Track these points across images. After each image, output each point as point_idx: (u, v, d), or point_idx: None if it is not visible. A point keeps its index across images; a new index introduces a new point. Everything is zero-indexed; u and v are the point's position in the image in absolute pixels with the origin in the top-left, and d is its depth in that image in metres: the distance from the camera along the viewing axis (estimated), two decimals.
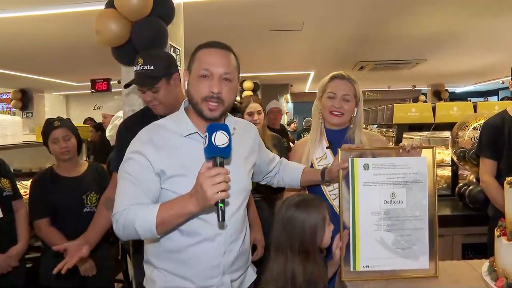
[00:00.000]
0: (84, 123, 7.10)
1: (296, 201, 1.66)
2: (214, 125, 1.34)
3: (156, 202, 1.48)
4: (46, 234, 2.55)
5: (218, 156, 1.29)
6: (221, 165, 1.29)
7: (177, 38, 3.32)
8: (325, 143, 2.05)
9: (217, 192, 1.24)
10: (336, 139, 2.02)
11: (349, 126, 2.07)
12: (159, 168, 1.47)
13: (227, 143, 1.29)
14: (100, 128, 7.32)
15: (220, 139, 1.28)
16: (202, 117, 1.50)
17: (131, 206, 1.43)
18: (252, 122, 2.06)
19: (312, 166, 2.04)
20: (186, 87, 1.54)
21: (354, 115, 2.04)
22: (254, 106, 3.13)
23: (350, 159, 1.67)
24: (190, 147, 1.51)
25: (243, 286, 1.71)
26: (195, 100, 1.49)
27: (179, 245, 1.53)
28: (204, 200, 1.26)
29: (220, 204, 1.26)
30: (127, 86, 2.26)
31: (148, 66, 2.07)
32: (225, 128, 1.31)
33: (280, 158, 2.00)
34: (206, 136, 1.29)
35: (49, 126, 2.63)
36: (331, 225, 1.66)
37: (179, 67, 3.31)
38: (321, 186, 1.96)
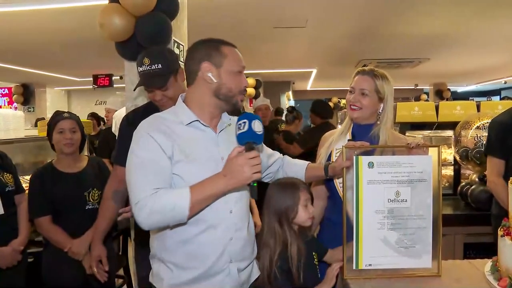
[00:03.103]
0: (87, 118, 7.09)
1: (279, 182, 1.86)
2: (248, 114, 1.52)
3: (170, 188, 1.52)
4: (48, 232, 2.51)
5: (252, 141, 1.45)
6: (253, 149, 1.44)
7: (180, 34, 3.31)
8: (348, 136, 2.06)
9: (255, 173, 1.42)
10: (361, 133, 2.01)
11: (373, 123, 2.05)
12: (169, 152, 1.51)
13: (262, 131, 1.49)
14: (100, 123, 7.31)
15: (258, 126, 1.47)
16: (233, 108, 1.64)
17: (159, 190, 1.46)
18: None
19: (330, 155, 2.05)
20: (215, 80, 1.57)
21: (380, 111, 2.03)
22: None
23: (354, 157, 1.66)
24: (192, 135, 1.58)
25: (250, 280, 1.73)
26: (232, 92, 1.59)
27: (186, 235, 1.55)
28: (242, 180, 1.43)
29: (254, 184, 1.46)
30: (136, 88, 2.25)
31: (156, 65, 2.05)
32: (259, 118, 1.51)
33: None
34: (244, 122, 1.47)
35: (58, 116, 2.59)
36: (309, 206, 1.78)
37: (182, 64, 3.32)
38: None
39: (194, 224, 1.54)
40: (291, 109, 5.25)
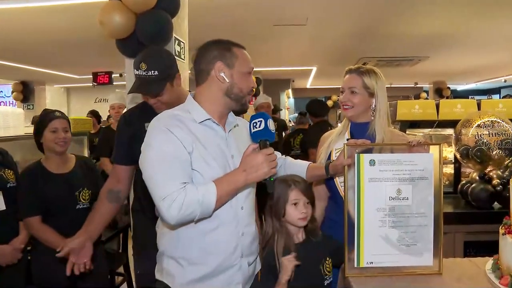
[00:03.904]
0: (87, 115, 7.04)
1: (281, 176, 1.87)
2: (263, 114, 1.60)
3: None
4: (39, 232, 2.48)
5: (266, 139, 1.53)
6: (267, 147, 1.53)
7: (181, 31, 3.31)
8: (347, 135, 2.07)
9: (272, 168, 1.52)
10: (359, 132, 2.02)
11: (369, 122, 2.05)
12: (189, 148, 1.53)
13: (275, 130, 1.58)
14: (100, 121, 7.26)
15: (271, 125, 1.56)
16: (241, 108, 1.68)
17: (187, 185, 1.48)
18: None
19: (330, 155, 2.06)
20: (227, 80, 1.60)
21: (373, 106, 2.03)
22: None
23: (356, 155, 1.66)
24: (205, 133, 1.60)
25: (254, 273, 1.76)
26: (243, 92, 1.64)
27: (201, 231, 1.57)
28: (261, 175, 1.51)
29: (271, 178, 1.54)
30: (130, 93, 2.23)
31: (153, 71, 2.02)
32: (271, 117, 1.60)
33: None
34: (260, 121, 1.55)
35: (50, 114, 2.57)
36: (300, 206, 1.78)
37: (183, 61, 3.32)
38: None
39: (209, 220, 1.56)
40: (304, 113, 5.67)
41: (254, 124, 1.55)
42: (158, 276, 1.68)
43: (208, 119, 1.61)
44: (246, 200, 1.67)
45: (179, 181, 1.47)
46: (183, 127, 1.55)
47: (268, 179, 1.54)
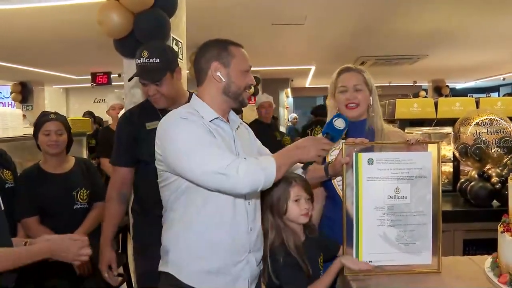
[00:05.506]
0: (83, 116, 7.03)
1: None
2: (339, 114, 1.70)
3: None
4: (36, 233, 2.44)
5: (328, 132, 1.64)
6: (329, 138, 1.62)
7: (179, 31, 3.30)
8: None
9: (318, 156, 1.61)
10: (355, 130, 1.98)
11: (366, 119, 2.04)
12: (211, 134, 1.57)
13: (343, 128, 1.65)
14: (96, 121, 7.23)
15: (339, 123, 1.64)
16: (239, 105, 1.70)
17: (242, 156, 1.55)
18: None
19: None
20: (223, 79, 1.61)
21: (371, 103, 2.03)
22: None
23: (354, 154, 1.66)
24: (215, 131, 1.60)
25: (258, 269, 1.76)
26: (240, 90, 1.65)
27: (209, 225, 1.58)
28: (311, 156, 1.58)
29: (309, 163, 1.67)
30: (130, 79, 2.24)
31: (154, 59, 2.04)
32: (345, 118, 1.67)
33: None
34: (332, 117, 1.66)
35: (44, 117, 2.57)
36: (302, 203, 1.74)
37: (181, 61, 3.31)
38: None
39: (218, 215, 1.57)
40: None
41: (329, 120, 1.66)
42: (162, 268, 1.67)
43: (217, 117, 1.63)
44: (253, 196, 1.67)
45: (231, 154, 1.51)
46: (198, 120, 1.57)
47: (307, 163, 1.64)
